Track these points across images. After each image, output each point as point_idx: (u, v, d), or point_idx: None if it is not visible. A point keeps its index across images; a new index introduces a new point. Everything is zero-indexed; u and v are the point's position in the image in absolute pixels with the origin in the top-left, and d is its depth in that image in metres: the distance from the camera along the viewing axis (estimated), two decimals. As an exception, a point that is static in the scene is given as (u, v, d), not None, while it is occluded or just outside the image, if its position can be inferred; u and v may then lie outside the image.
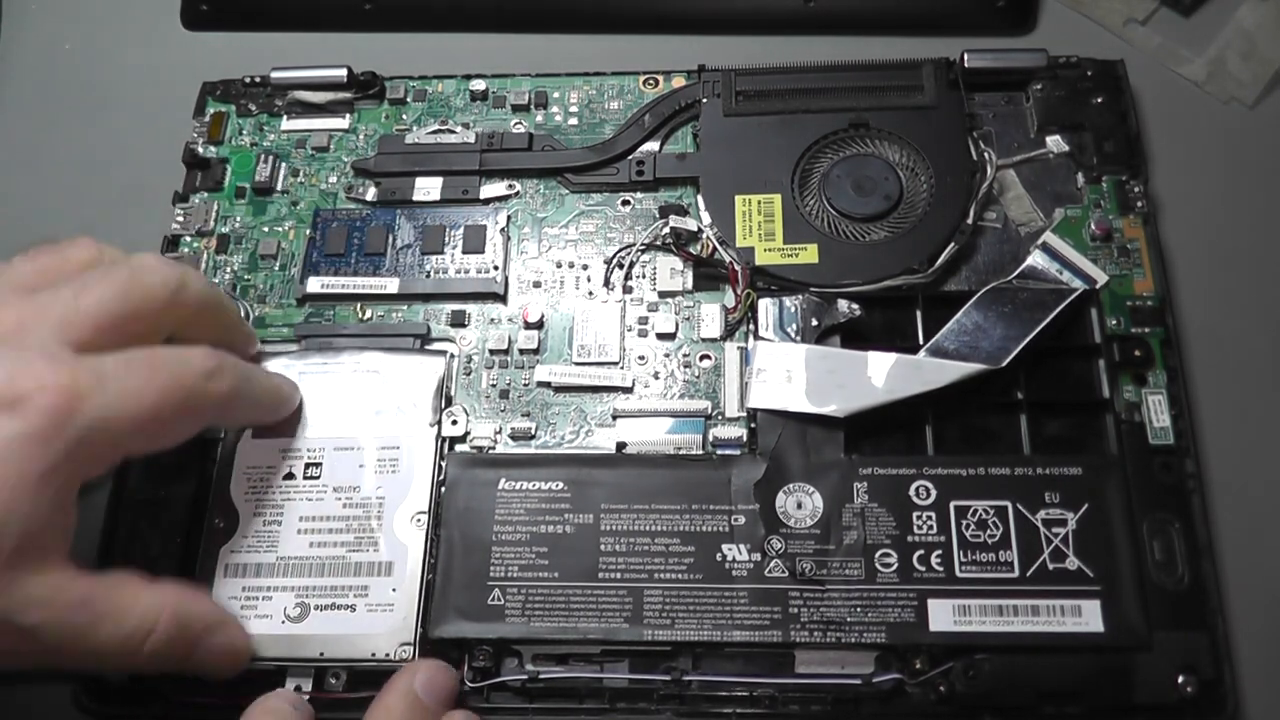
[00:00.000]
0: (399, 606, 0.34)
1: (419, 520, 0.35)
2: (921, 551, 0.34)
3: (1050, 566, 0.34)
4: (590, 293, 0.40)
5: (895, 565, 0.34)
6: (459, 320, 0.40)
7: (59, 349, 0.28)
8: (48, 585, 0.28)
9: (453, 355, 0.39)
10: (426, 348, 0.39)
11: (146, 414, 0.29)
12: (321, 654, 0.34)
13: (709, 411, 0.38)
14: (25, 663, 0.29)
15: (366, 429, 0.37)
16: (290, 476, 0.36)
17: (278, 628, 0.34)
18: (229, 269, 0.42)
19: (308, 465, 0.36)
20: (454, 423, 0.37)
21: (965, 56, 0.42)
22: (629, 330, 0.39)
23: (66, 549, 0.28)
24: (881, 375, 0.36)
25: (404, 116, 0.44)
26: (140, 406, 0.29)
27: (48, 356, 0.27)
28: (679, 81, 0.44)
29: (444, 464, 0.36)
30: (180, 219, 0.43)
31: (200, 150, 0.44)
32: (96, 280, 0.30)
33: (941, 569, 0.34)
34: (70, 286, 0.30)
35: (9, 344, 0.28)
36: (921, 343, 0.37)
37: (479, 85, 0.44)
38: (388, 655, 0.33)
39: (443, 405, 0.37)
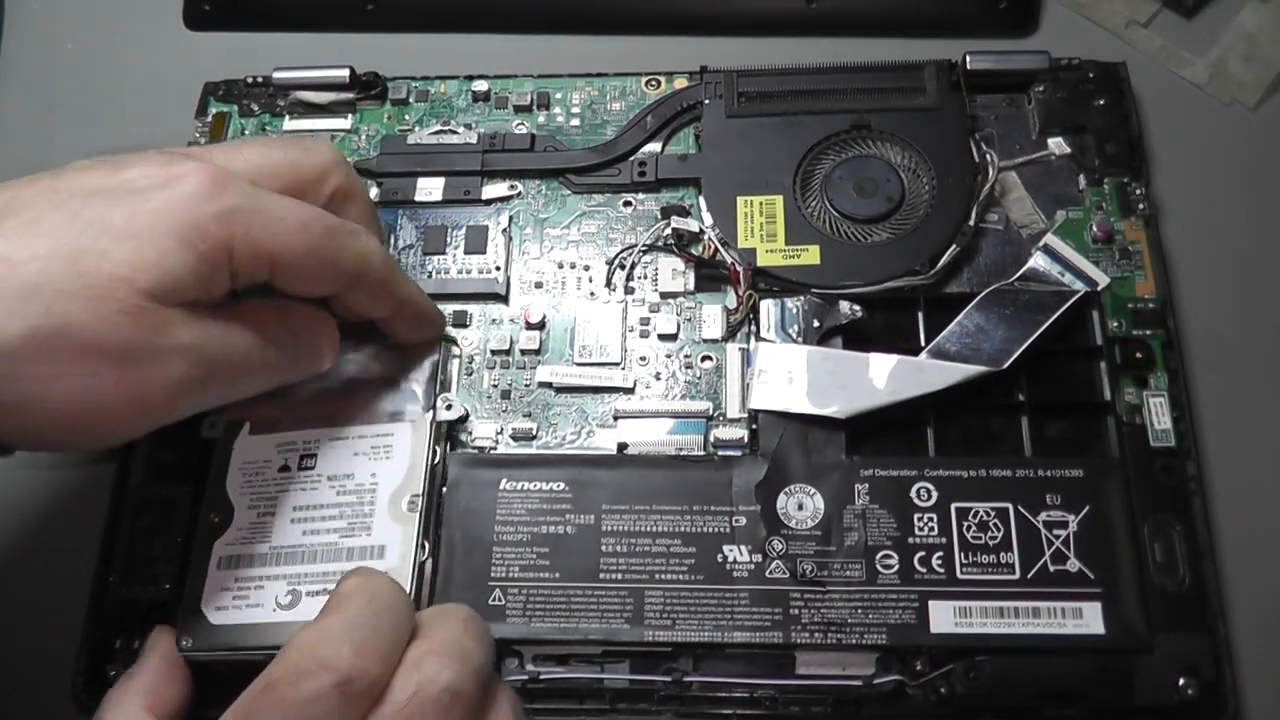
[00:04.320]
0: None
1: (413, 503, 0.35)
2: (922, 553, 0.34)
3: (1051, 568, 0.34)
4: (592, 293, 0.40)
5: (896, 567, 0.34)
6: (461, 321, 0.40)
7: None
8: (190, 326, 0.29)
9: (454, 350, 0.39)
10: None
11: (291, 229, 0.31)
12: None
13: (710, 412, 0.38)
14: (169, 404, 0.29)
15: (361, 415, 0.36)
16: (285, 469, 0.36)
17: (269, 615, 0.34)
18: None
19: (303, 457, 0.36)
20: (448, 407, 0.37)
21: (967, 58, 0.42)
22: (630, 331, 0.39)
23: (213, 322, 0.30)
24: (883, 377, 0.36)
25: (406, 117, 0.44)
26: (286, 221, 0.31)
27: (200, 158, 0.30)
28: (681, 82, 0.44)
29: (439, 448, 0.36)
30: (182, 219, 0.43)
31: (202, 150, 0.44)
32: (255, 142, 0.34)
33: (942, 570, 0.34)
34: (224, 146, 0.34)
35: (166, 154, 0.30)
36: (923, 344, 0.37)
37: (481, 86, 0.44)
38: None
39: (437, 390, 0.37)
